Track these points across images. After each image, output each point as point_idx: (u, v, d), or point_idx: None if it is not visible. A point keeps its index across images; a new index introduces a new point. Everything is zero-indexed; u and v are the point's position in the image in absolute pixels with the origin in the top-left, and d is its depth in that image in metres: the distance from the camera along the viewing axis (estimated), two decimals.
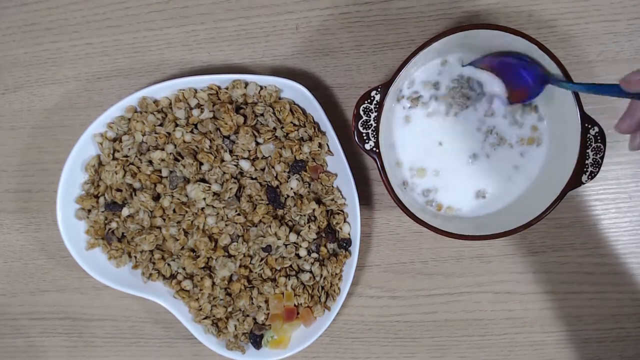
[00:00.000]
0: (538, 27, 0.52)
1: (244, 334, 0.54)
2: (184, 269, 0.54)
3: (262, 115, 0.51)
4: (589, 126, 0.44)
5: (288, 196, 0.52)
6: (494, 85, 0.49)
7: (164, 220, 0.53)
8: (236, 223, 0.52)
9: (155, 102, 0.52)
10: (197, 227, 0.52)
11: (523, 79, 0.46)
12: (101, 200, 0.53)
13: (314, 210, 0.52)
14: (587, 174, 0.45)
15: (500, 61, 0.47)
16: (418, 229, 0.55)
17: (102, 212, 0.53)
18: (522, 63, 0.46)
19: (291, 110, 0.51)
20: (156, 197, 0.52)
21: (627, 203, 0.54)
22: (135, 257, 0.54)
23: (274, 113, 0.51)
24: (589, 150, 0.44)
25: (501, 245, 0.55)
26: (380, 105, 0.45)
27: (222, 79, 0.51)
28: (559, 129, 0.48)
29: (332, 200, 0.52)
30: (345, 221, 0.53)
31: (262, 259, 0.53)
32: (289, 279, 0.53)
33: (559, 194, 0.45)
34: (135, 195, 0.52)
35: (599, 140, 0.44)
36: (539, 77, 0.45)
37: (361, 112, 0.45)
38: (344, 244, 0.53)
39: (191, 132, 0.51)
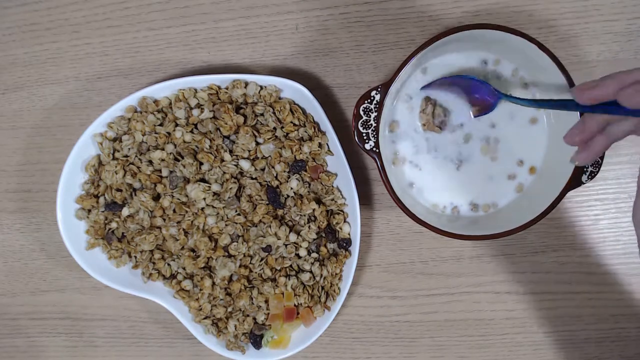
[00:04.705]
0: (538, 27, 0.52)
1: (244, 334, 0.54)
2: (184, 269, 0.54)
3: (262, 115, 0.51)
4: None
5: (288, 196, 0.52)
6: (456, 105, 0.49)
7: (164, 220, 0.53)
8: (236, 223, 0.52)
9: (155, 102, 0.52)
10: (197, 227, 0.52)
11: (478, 95, 0.47)
12: (101, 200, 0.53)
13: (314, 210, 0.52)
14: (587, 174, 0.45)
15: (453, 82, 0.48)
16: (418, 229, 0.55)
17: (102, 212, 0.53)
18: (474, 82, 0.47)
19: (291, 110, 0.51)
20: (156, 197, 0.52)
21: (627, 203, 0.54)
22: (135, 257, 0.54)
23: (274, 113, 0.51)
24: None
25: (501, 245, 0.55)
26: (380, 105, 0.45)
27: (222, 79, 0.51)
28: (559, 129, 0.48)
29: (332, 200, 0.52)
30: (345, 221, 0.53)
31: (262, 259, 0.53)
32: (289, 279, 0.53)
33: (559, 194, 0.45)
34: (135, 195, 0.52)
35: None
36: (492, 93, 0.47)
37: (361, 112, 0.45)
38: (344, 244, 0.53)
39: (191, 132, 0.51)
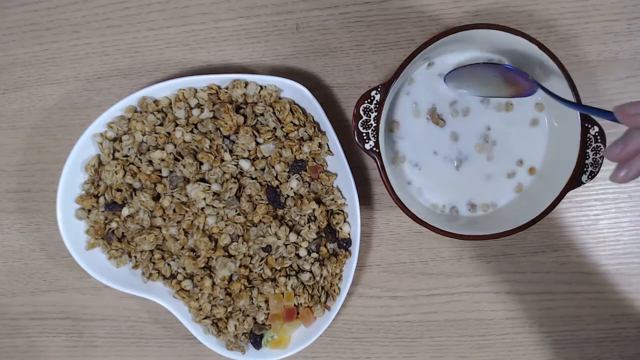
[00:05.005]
0: (538, 27, 0.52)
1: (244, 334, 0.54)
2: (184, 269, 0.54)
3: (262, 115, 0.51)
4: (589, 126, 0.44)
5: (288, 196, 0.52)
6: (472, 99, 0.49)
7: (164, 220, 0.53)
8: (236, 223, 0.52)
9: (155, 102, 0.52)
10: (197, 227, 0.52)
11: (515, 76, 0.45)
12: (101, 200, 0.53)
13: (314, 210, 0.52)
14: (587, 174, 0.45)
15: (484, 65, 0.46)
16: (418, 229, 0.55)
17: (102, 212, 0.53)
18: (508, 70, 0.45)
19: (291, 110, 0.51)
20: (156, 197, 0.52)
21: (627, 203, 0.54)
22: (135, 257, 0.54)
23: (274, 113, 0.51)
24: (588, 150, 0.45)
25: (501, 245, 0.55)
26: (380, 105, 0.45)
27: (222, 79, 0.51)
28: (559, 131, 0.48)
29: (332, 200, 0.52)
30: (345, 221, 0.53)
31: (262, 259, 0.53)
32: (289, 279, 0.53)
33: (559, 194, 0.45)
34: (135, 195, 0.52)
35: (599, 140, 0.44)
36: (530, 81, 0.44)
37: (361, 112, 0.45)
38: (344, 244, 0.53)
39: (191, 132, 0.51)
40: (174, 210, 0.52)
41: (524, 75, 0.44)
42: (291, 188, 0.52)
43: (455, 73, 0.47)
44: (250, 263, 0.53)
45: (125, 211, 0.52)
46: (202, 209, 0.52)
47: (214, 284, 0.53)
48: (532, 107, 0.49)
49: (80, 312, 0.59)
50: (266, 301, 0.54)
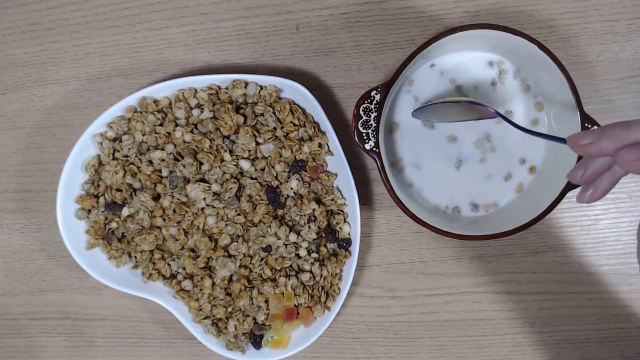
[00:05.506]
0: (538, 27, 0.52)
1: (244, 334, 0.54)
2: (184, 269, 0.54)
3: (262, 115, 0.51)
4: (589, 126, 0.44)
5: (288, 196, 0.52)
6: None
7: (164, 220, 0.53)
8: (236, 223, 0.52)
9: (155, 102, 0.52)
10: (197, 227, 0.52)
11: (477, 106, 0.46)
12: (101, 200, 0.53)
13: (314, 210, 0.52)
14: None
15: (444, 103, 0.47)
16: (418, 229, 0.55)
17: (102, 212, 0.53)
18: (472, 105, 0.46)
19: (291, 110, 0.51)
20: (156, 197, 0.52)
21: (627, 203, 0.54)
22: (135, 257, 0.54)
23: (274, 113, 0.51)
24: None
25: (501, 245, 0.55)
26: (380, 105, 0.45)
27: (222, 79, 0.51)
28: (559, 131, 0.48)
29: (332, 200, 0.52)
30: (345, 221, 0.53)
31: (262, 259, 0.53)
32: (289, 279, 0.53)
33: (559, 194, 0.45)
34: (135, 195, 0.52)
35: None
36: (492, 110, 0.46)
37: (361, 112, 0.45)
38: (344, 244, 0.53)
39: (191, 132, 0.51)
40: (174, 210, 0.52)
41: (485, 106, 0.46)
42: (291, 188, 0.52)
43: (421, 110, 0.48)
44: (250, 263, 0.53)
45: (125, 211, 0.52)
46: (202, 209, 0.52)
47: (214, 284, 0.53)
48: (532, 107, 0.50)
49: (80, 312, 0.59)
50: (266, 301, 0.54)
